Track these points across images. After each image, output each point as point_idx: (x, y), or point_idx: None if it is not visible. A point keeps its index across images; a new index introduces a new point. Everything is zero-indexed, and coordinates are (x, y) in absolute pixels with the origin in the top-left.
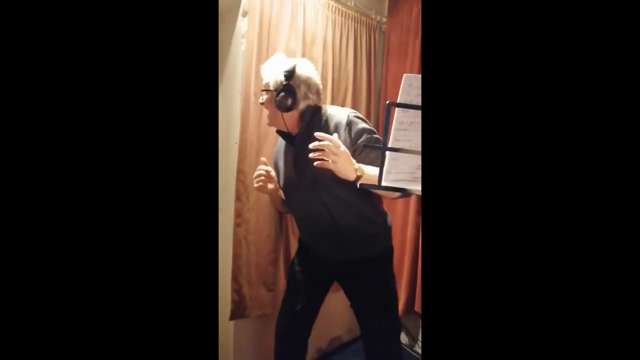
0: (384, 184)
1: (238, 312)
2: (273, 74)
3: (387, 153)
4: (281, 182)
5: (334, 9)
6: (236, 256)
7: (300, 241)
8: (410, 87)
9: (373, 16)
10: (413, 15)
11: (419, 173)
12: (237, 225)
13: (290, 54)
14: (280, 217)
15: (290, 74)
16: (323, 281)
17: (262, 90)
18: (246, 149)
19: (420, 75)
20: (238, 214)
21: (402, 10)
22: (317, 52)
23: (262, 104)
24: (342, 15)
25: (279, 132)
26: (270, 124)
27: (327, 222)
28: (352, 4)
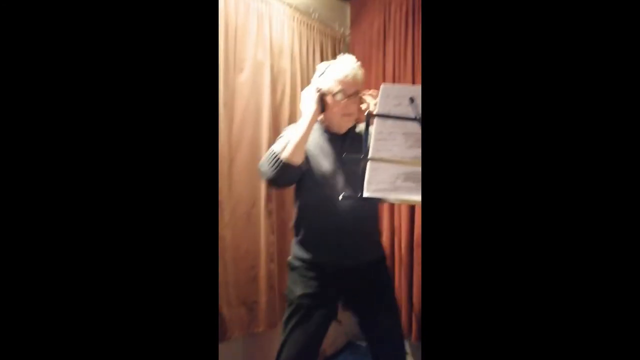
0: (365, 194)
1: (219, 335)
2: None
3: (368, 163)
4: (316, 174)
5: (298, 21)
6: None
7: (299, 254)
8: (387, 97)
9: (337, 28)
10: (374, 28)
11: (399, 182)
12: None
13: (258, 65)
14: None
15: None
16: (331, 295)
17: (371, 94)
18: (218, 163)
19: (397, 85)
20: None
21: (364, 24)
22: (285, 63)
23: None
24: (307, 27)
25: (328, 130)
26: (347, 123)
27: (348, 221)
28: (316, 16)
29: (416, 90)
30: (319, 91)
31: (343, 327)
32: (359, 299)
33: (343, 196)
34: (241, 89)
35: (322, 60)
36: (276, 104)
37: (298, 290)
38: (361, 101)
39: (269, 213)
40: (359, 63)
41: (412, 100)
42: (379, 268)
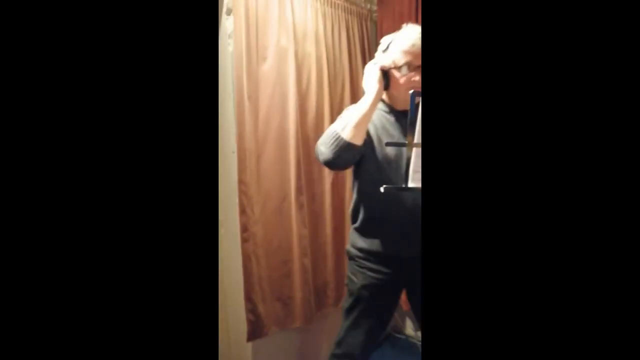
0: (411, 184)
1: (255, 332)
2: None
3: (414, 149)
4: (379, 158)
5: (322, 0)
6: (247, 273)
7: (357, 243)
8: None
9: (363, 5)
10: (405, 1)
11: None
12: (244, 240)
13: (281, 51)
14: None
15: None
16: (393, 285)
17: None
18: (246, 158)
19: None
20: (244, 228)
21: None
22: (310, 47)
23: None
24: (331, 6)
25: (393, 109)
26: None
27: (410, 209)
28: None
29: None
30: (382, 68)
31: None
32: (419, 290)
33: (385, 188)
34: (265, 79)
35: (348, 41)
36: (302, 93)
37: (358, 282)
38: None
39: (300, 206)
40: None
41: None
42: None
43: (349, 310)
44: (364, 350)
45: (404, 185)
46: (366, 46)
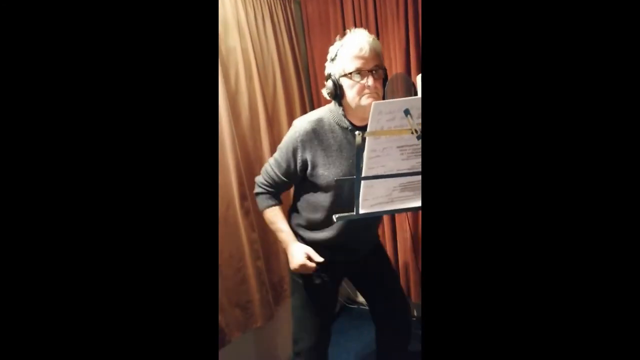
0: (361, 211)
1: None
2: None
3: (362, 182)
4: (329, 176)
5: None
6: None
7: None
8: (379, 114)
9: None
10: None
11: (395, 194)
12: None
13: None
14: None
15: None
16: (337, 282)
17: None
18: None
19: (389, 100)
20: None
21: None
22: (234, 40)
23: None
24: None
25: (353, 125)
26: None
27: (357, 229)
28: None
29: (411, 102)
30: (331, 77)
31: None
32: (364, 282)
33: (337, 218)
34: None
35: (274, 28)
36: (232, 92)
37: (302, 282)
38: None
39: (245, 212)
40: (374, 36)
41: (407, 112)
42: (380, 251)
43: (296, 309)
44: (320, 342)
45: (355, 212)
46: (292, 32)
